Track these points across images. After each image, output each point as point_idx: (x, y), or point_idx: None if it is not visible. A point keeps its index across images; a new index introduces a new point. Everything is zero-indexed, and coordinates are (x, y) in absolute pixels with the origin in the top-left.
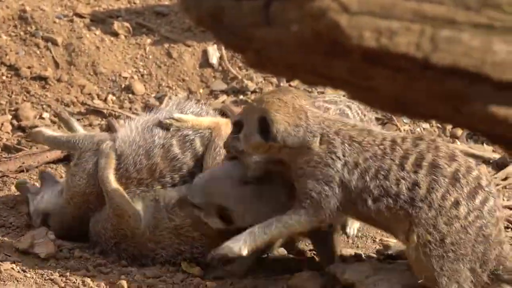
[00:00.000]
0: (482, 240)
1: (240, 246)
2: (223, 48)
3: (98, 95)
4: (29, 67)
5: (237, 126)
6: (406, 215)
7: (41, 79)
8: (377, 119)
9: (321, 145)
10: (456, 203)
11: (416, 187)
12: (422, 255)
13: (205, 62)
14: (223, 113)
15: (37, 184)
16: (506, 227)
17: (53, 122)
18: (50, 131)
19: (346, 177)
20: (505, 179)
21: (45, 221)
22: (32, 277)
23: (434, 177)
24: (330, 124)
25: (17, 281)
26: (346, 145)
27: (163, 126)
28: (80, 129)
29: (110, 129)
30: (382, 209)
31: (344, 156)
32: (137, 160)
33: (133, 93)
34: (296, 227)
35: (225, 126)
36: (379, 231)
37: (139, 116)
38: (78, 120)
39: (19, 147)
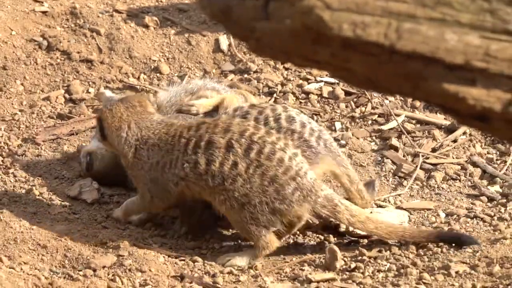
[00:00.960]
0: (269, 182)
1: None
2: (231, 37)
3: (132, 74)
4: (78, 52)
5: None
6: (202, 188)
7: (88, 61)
8: (352, 93)
9: (135, 154)
10: (234, 164)
11: (198, 164)
12: (229, 212)
13: (217, 48)
14: (231, 87)
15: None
16: (455, 179)
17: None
18: (111, 93)
19: (153, 174)
20: (454, 141)
21: (90, 160)
22: (80, 218)
23: (210, 151)
24: (144, 134)
25: (69, 221)
26: (150, 151)
27: (184, 111)
28: None
29: None
30: (183, 190)
31: (149, 159)
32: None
33: (160, 72)
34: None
35: (229, 100)
36: None
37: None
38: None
39: (70, 115)
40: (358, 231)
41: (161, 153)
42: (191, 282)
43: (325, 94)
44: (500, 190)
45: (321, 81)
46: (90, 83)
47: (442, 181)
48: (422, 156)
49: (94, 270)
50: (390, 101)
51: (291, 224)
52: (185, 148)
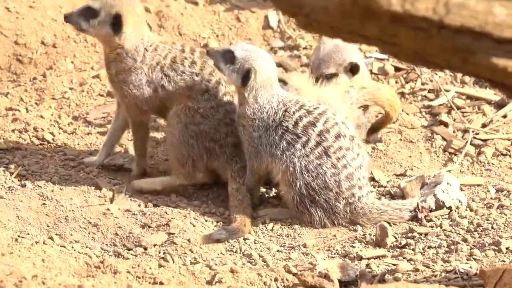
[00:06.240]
0: (227, 123)
1: None
2: (280, 13)
3: None
4: None
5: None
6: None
7: None
8: (402, 69)
9: None
10: (218, 82)
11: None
12: (177, 120)
13: (266, 25)
14: (280, 65)
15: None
16: (505, 155)
17: None
18: None
19: None
20: (504, 116)
21: None
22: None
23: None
24: None
25: (117, 199)
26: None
27: None
28: None
29: None
30: None
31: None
32: None
33: None
34: None
35: None
36: None
37: None
38: None
39: None
40: None
41: None
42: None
43: (374, 70)
44: None
45: (371, 57)
46: None
47: (492, 157)
48: (472, 131)
49: (145, 248)
50: (439, 77)
51: None
52: None
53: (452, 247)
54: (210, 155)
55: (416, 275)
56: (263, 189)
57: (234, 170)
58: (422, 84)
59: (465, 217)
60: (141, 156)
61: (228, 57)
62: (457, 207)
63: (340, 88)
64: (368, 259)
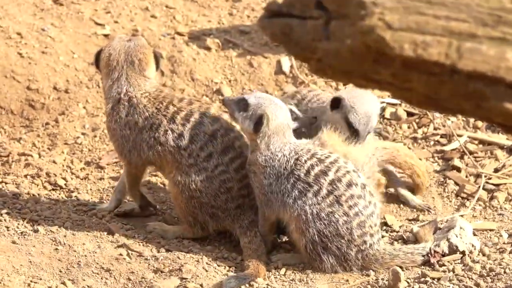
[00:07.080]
0: (224, 192)
1: None
2: (293, 58)
3: (195, 96)
4: None
5: None
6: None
7: None
8: (415, 114)
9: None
10: (209, 156)
11: (182, 137)
12: (176, 193)
13: (279, 70)
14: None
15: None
16: None
17: None
18: None
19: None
20: None
21: None
22: (141, 242)
23: (197, 131)
24: None
25: (130, 245)
26: (132, 109)
27: None
28: None
29: None
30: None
31: (126, 116)
32: None
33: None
34: None
35: None
36: None
37: None
38: None
39: None
40: None
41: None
42: None
43: (387, 115)
44: None
45: (383, 102)
46: None
47: (505, 202)
48: (485, 176)
49: None
50: (452, 122)
51: None
52: (172, 116)
53: None
54: (216, 220)
55: None
56: (275, 234)
57: (243, 226)
58: (435, 129)
59: (478, 262)
60: (133, 196)
61: (241, 105)
62: (471, 252)
63: (367, 148)
64: None
